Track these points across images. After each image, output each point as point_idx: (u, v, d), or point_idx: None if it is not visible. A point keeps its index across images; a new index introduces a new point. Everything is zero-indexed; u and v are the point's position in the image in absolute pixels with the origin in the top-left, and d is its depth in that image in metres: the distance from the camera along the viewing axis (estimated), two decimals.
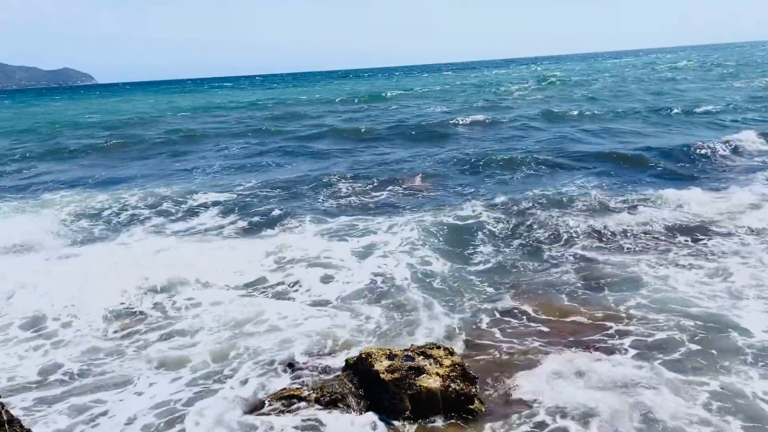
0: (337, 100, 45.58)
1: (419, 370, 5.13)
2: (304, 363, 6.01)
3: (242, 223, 11.68)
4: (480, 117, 25.79)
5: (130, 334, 7.05)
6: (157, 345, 6.69)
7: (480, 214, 11.16)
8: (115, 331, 7.11)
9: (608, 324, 6.58)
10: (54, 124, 37.27)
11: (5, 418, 3.72)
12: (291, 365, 5.96)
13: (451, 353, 5.40)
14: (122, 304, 7.79)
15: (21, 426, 3.82)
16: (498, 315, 7.04)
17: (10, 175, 19.25)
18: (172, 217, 12.46)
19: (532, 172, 14.87)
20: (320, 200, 13.32)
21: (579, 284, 7.79)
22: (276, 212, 12.10)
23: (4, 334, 7.09)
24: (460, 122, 24.71)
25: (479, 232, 10.25)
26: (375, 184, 14.52)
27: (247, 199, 13.54)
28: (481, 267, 8.77)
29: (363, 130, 24.19)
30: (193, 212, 12.73)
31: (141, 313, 7.60)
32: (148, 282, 8.21)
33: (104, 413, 5.34)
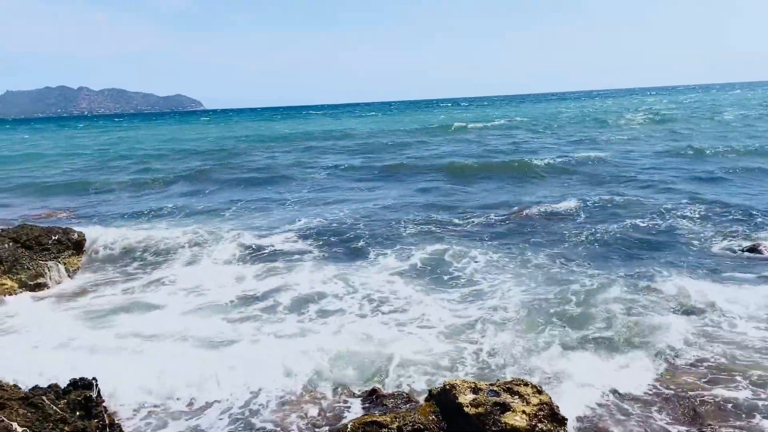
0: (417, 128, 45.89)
1: (504, 407, 4.96)
2: (387, 390, 6.01)
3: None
4: (594, 154, 24.38)
5: None
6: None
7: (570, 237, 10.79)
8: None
9: None
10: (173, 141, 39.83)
11: (107, 422, 3.96)
12: (374, 391, 5.97)
13: (539, 391, 5.19)
14: None
15: (121, 430, 4.05)
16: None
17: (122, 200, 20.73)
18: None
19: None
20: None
21: None
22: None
23: None
24: (569, 157, 23.70)
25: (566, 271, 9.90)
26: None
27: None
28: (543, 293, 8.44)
29: (450, 164, 24.16)
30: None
31: None
32: None
33: None
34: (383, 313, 8.26)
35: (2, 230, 11.08)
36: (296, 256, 11.30)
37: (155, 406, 5.63)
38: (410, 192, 18.21)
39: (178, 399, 5.81)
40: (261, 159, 30.00)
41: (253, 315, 8.42)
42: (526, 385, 5.27)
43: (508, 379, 5.61)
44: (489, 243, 11.69)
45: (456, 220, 13.81)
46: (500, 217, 13.91)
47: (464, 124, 48.00)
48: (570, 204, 14.71)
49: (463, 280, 9.54)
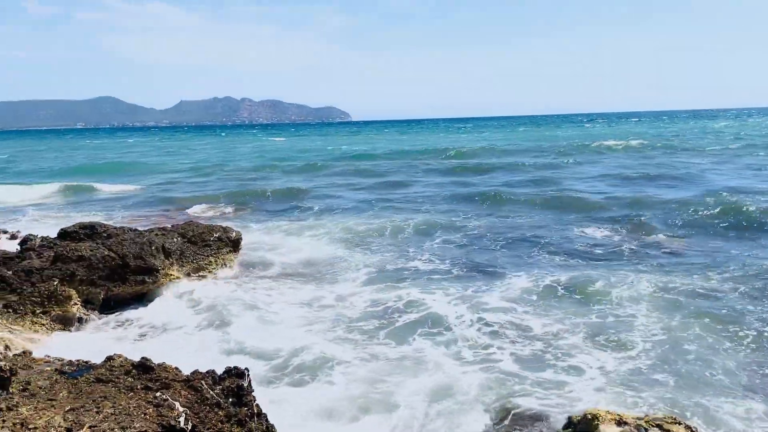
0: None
1: None
2: (521, 413, 5.82)
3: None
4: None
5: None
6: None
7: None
8: None
9: None
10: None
11: (255, 411, 4.22)
12: (507, 413, 5.80)
13: None
14: None
15: (267, 420, 4.29)
16: None
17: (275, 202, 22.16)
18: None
19: None
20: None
21: None
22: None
23: None
24: None
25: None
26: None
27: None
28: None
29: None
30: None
31: None
32: None
33: None
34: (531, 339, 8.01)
35: (172, 226, 12.31)
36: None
37: None
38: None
39: None
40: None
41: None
42: (678, 423, 4.84)
43: (659, 415, 5.19)
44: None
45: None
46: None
47: (606, 142, 44.91)
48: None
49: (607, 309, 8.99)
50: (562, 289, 9.70)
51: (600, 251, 12.35)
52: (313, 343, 7.56)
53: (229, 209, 19.47)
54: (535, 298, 9.42)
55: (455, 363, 7.04)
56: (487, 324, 8.28)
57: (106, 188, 26.30)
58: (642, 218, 15.08)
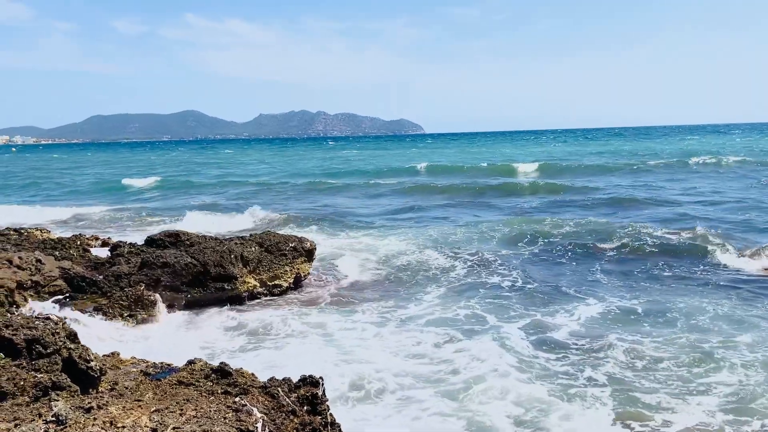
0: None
1: None
2: None
3: None
4: None
5: None
6: None
7: None
8: None
9: None
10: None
11: (329, 420, 4.25)
12: None
13: None
14: None
15: (340, 430, 4.30)
16: None
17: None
18: None
19: None
20: None
21: None
22: None
23: None
24: None
25: None
26: None
27: None
28: None
29: None
30: None
31: None
32: None
33: None
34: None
35: (250, 235, 12.67)
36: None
37: None
38: None
39: None
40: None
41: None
42: None
43: None
44: None
45: None
46: None
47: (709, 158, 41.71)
48: None
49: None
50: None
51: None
52: (391, 363, 7.52)
53: (302, 219, 19.88)
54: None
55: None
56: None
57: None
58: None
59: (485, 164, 42.55)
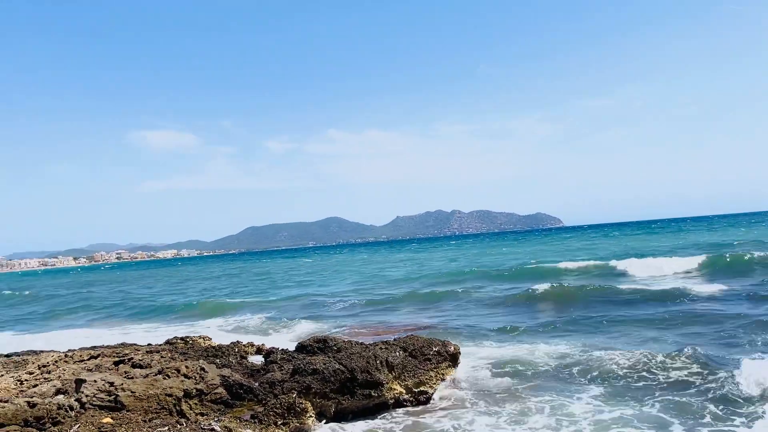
0: None
1: None
2: None
3: None
4: None
5: None
6: None
7: None
8: None
9: None
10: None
11: None
12: None
13: None
14: None
15: None
16: None
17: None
18: None
19: None
20: None
21: None
22: None
23: None
24: None
25: None
26: None
27: None
28: None
29: None
30: None
31: None
32: None
33: None
34: None
35: (394, 339, 12.71)
36: None
37: None
38: None
39: None
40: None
41: None
42: None
43: None
44: None
45: None
46: None
47: None
48: None
49: None
50: None
51: None
52: None
53: (439, 323, 19.67)
54: None
55: None
56: None
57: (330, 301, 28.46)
58: None
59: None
